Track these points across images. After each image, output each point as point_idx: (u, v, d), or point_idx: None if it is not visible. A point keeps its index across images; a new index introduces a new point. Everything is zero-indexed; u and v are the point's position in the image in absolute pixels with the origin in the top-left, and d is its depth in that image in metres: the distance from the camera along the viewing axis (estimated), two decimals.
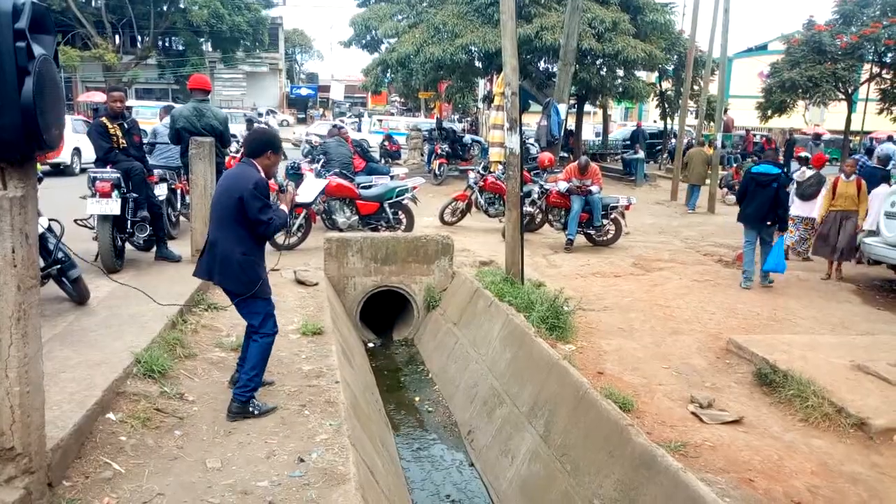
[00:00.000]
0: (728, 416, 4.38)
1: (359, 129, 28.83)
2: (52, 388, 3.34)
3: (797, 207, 9.56)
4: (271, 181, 4.29)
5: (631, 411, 4.29)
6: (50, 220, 4.98)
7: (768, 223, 7.87)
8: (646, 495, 3.46)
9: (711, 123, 19.35)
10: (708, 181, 15.61)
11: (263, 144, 3.93)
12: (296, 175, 10.29)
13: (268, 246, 4.14)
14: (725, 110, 18.89)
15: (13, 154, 2.44)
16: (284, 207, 4.05)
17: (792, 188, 9.40)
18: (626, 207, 10.50)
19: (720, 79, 16.26)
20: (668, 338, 6.02)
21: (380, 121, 31.85)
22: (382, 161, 18.48)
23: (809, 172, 9.72)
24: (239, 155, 7.34)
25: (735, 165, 18.35)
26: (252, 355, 3.90)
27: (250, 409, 3.86)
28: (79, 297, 5.13)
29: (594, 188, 10.02)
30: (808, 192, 9.46)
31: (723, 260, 9.66)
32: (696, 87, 20.84)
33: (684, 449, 3.89)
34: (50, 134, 2.50)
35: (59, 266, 4.87)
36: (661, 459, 3.48)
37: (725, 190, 17.24)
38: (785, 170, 8.80)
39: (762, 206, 7.70)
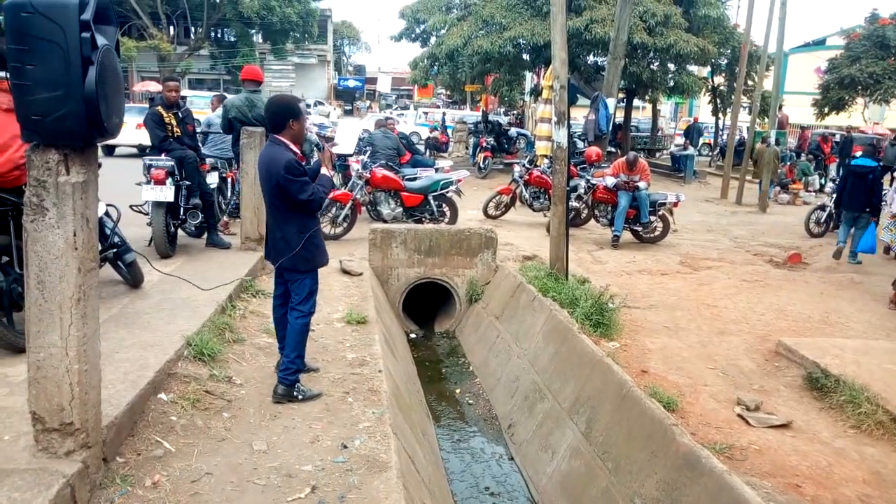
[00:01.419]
0: (776, 419, 4.29)
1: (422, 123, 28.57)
2: (107, 368, 3.46)
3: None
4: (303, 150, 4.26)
5: (675, 411, 4.23)
6: (107, 205, 5.14)
7: (866, 209, 9.02)
8: (689, 496, 3.41)
9: (766, 120, 18.85)
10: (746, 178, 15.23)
11: (282, 116, 3.79)
12: (343, 167, 10.41)
13: None
14: (780, 107, 18.33)
15: (76, 141, 2.52)
16: (325, 171, 3.96)
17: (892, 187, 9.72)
18: (675, 204, 10.31)
19: (775, 74, 15.72)
20: (714, 338, 5.91)
21: (425, 113, 31.94)
22: (427, 154, 18.54)
23: None
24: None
25: (789, 164, 17.81)
26: (291, 336, 3.93)
27: (295, 393, 3.93)
28: (133, 280, 5.30)
29: (642, 184, 9.87)
30: None
31: (773, 260, 9.41)
32: (749, 83, 20.29)
33: (730, 451, 3.82)
34: (111, 122, 2.58)
35: (115, 250, 5.03)
36: (706, 461, 3.43)
37: (778, 189, 16.77)
38: (882, 164, 9.70)
39: (859, 195, 8.99)
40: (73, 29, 2.37)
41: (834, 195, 10.62)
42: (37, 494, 2.46)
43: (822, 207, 11.43)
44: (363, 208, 9.35)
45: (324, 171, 3.94)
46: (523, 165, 11.77)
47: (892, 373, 4.85)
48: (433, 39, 20.57)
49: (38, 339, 2.58)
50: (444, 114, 27.15)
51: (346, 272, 7.20)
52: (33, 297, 2.56)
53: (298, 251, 3.82)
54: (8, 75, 3.59)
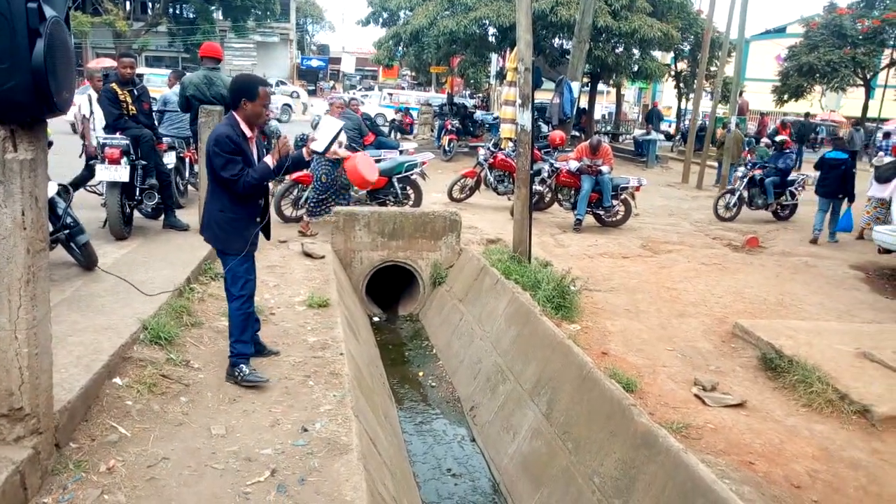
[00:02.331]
0: (731, 399, 4.39)
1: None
2: (60, 352, 3.37)
3: (874, 189, 10.00)
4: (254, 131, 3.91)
5: (634, 392, 4.31)
6: (59, 184, 4.99)
7: (839, 196, 9.94)
8: (646, 474, 3.48)
9: (727, 106, 19.14)
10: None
11: (236, 94, 3.73)
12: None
13: (275, 216, 4.10)
14: (741, 93, 18.64)
15: (24, 116, 2.43)
16: (269, 160, 3.77)
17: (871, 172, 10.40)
18: (637, 189, 10.42)
19: (736, 61, 15.99)
20: (673, 320, 6.02)
21: (390, 95, 31.67)
22: (392, 136, 18.40)
23: (888, 158, 10.56)
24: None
25: (748, 149, 18.14)
26: (229, 318, 3.93)
27: (236, 373, 3.87)
28: (87, 262, 5.15)
29: (605, 168, 9.95)
30: (885, 175, 9.75)
31: (732, 244, 9.61)
32: (711, 69, 20.58)
33: (686, 430, 3.91)
34: (61, 97, 2.49)
35: (67, 231, 4.89)
36: (663, 440, 3.50)
37: (739, 173, 17.07)
38: (851, 154, 10.46)
39: (834, 183, 9.82)
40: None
41: (744, 180, 11.62)
42: None
43: (732, 192, 11.87)
44: None
45: (268, 160, 3.78)
46: (488, 148, 11.76)
47: (843, 353, 5.01)
48: (401, 21, 20.35)
49: None
50: (405, 107, 25.75)
51: (307, 255, 7.12)
52: None
53: (215, 230, 3.82)
54: None
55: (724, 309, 6.40)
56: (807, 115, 21.30)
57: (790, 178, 11.67)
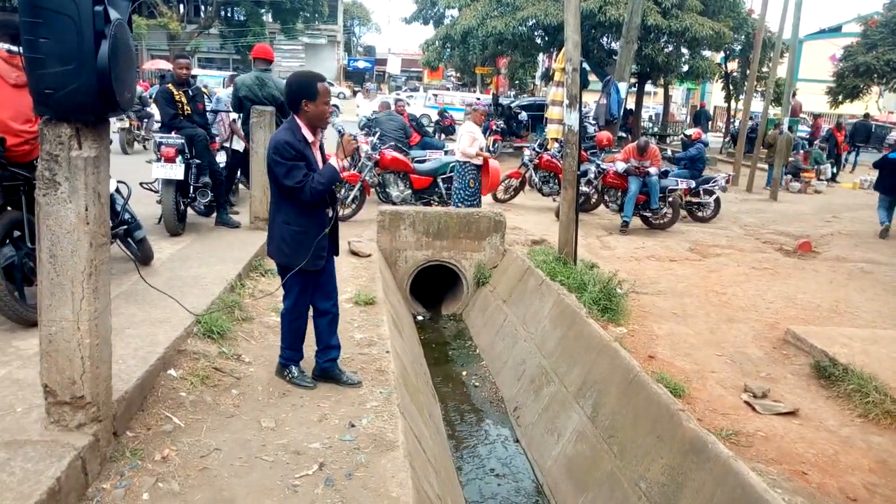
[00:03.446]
0: (783, 407, 4.28)
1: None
2: (118, 343, 3.48)
3: None
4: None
5: (682, 397, 4.23)
6: (118, 182, 5.15)
7: None
8: (694, 481, 3.42)
9: (779, 107, 18.67)
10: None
11: (294, 96, 3.49)
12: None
13: None
14: (793, 94, 18.14)
15: (88, 115, 2.52)
16: (335, 161, 3.54)
17: None
18: (685, 191, 10.25)
19: (789, 61, 15.55)
20: (722, 325, 5.89)
21: (434, 96, 31.79)
22: (437, 136, 18.47)
23: None
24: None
25: (803, 151, 17.64)
26: (281, 324, 3.93)
27: (285, 374, 3.94)
28: (143, 257, 5.32)
29: (652, 170, 9.81)
30: None
31: (783, 248, 9.36)
32: (763, 70, 20.07)
33: (736, 437, 3.83)
34: (123, 97, 2.58)
35: (125, 227, 5.05)
36: (712, 446, 3.43)
37: (789, 177, 16.63)
38: None
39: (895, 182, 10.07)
40: (85, 2, 2.36)
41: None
42: (49, 465, 2.49)
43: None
44: (372, 190, 9.34)
45: (333, 161, 3.56)
46: (533, 149, 11.71)
47: None
48: (446, 21, 20.41)
49: (50, 312, 2.60)
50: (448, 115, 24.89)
51: (354, 253, 7.21)
52: (45, 271, 2.57)
53: (279, 244, 3.65)
54: (20, 49, 3.60)
55: (776, 315, 6.24)
56: (867, 115, 20.59)
57: (703, 177, 11.28)
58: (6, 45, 3.87)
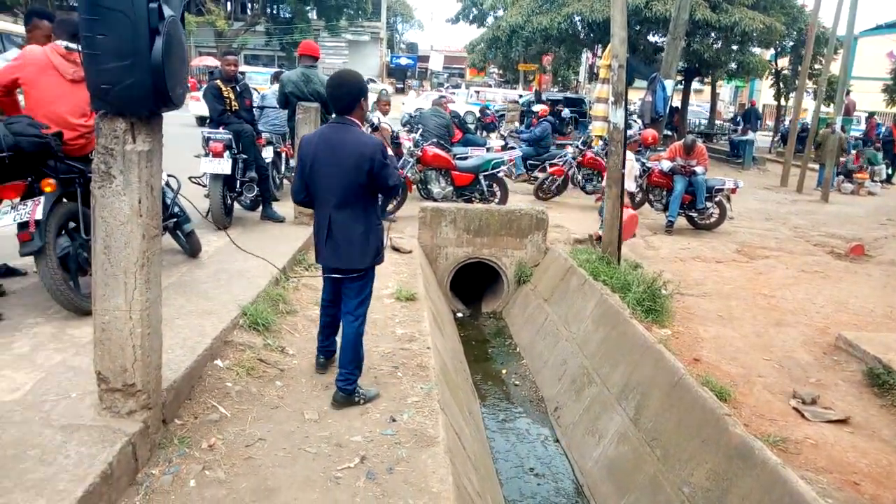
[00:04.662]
0: (833, 414, 4.16)
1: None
2: (167, 333, 3.55)
3: None
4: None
5: (728, 401, 4.14)
6: (168, 175, 5.26)
7: None
8: (740, 487, 3.34)
9: (831, 106, 18.12)
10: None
11: (354, 97, 3.40)
12: (395, 144, 10.42)
13: None
14: (847, 92, 17.56)
15: (142, 110, 2.58)
16: (391, 151, 3.64)
17: None
18: (732, 191, 10.01)
19: (843, 58, 15.02)
20: (770, 329, 5.75)
21: (477, 93, 31.71)
22: (479, 133, 18.41)
23: None
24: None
25: (856, 151, 17.08)
26: (347, 346, 3.55)
27: (356, 399, 3.61)
28: (191, 250, 5.44)
29: (699, 169, 9.61)
30: None
31: (835, 252, 9.08)
32: (815, 67, 19.48)
33: (784, 444, 3.73)
34: (175, 92, 2.63)
35: (175, 220, 5.17)
36: (759, 452, 3.35)
37: (841, 178, 16.13)
38: None
39: None
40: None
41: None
42: (101, 450, 2.56)
43: None
44: (414, 186, 9.36)
45: (390, 151, 3.67)
46: (577, 147, 11.59)
47: None
48: (490, 20, 20.37)
49: (103, 302, 2.67)
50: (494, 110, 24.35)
51: (396, 249, 7.25)
52: (100, 261, 2.64)
53: (358, 251, 3.48)
54: (77, 46, 3.71)
55: (826, 319, 6.06)
56: None
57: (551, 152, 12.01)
58: (64, 43, 4.00)
